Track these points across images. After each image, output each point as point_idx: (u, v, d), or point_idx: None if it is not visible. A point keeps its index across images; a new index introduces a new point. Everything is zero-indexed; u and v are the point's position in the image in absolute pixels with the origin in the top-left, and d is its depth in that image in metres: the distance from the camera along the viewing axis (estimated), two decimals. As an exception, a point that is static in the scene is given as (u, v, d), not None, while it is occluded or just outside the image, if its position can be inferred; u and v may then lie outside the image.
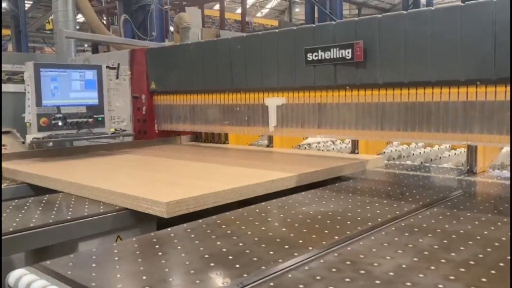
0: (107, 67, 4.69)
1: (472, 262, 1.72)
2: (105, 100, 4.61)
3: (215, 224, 2.30)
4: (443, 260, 1.75)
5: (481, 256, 1.79)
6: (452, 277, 1.58)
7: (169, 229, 2.24)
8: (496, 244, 1.93)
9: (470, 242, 1.95)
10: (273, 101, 4.16)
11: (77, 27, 14.05)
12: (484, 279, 1.56)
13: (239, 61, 4.35)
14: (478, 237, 2.02)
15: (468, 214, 2.40)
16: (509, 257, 1.75)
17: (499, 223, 2.22)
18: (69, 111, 4.38)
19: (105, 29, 11.59)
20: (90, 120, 4.50)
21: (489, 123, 2.96)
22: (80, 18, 18.04)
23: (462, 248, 1.88)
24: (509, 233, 2.04)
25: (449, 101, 3.10)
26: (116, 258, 1.84)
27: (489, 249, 1.86)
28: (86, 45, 21.21)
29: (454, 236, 2.04)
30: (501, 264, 1.70)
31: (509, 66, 2.80)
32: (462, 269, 1.66)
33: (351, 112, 3.64)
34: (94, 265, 1.76)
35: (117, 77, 4.93)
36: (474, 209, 2.51)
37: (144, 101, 5.33)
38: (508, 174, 3.29)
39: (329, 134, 3.90)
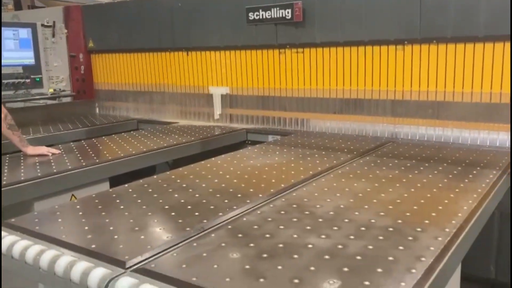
0: (42, 25, 4.51)
1: (398, 201, 2.02)
2: (42, 59, 4.48)
3: (170, 179, 2.45)
4: (374, 200, 2.03)
5: (406, 195, 2.09)
6: (382, 213, 1.86)
7: (126, 185, 2.35)
8: (418, 185, 2.24)
9: (397, 185, 2.25)
10: (218, 90, 4.27)
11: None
12: (408, 214, 1.86)
13: (181, 20, 4.37)
14: (404, 180, 2.33)
15: (396, 161, 2.72)
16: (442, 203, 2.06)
17: (421, 168, 2.55)
18: (4, 72, 4.22)
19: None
20: (28, 80, 4.37)
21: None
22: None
23: (390, 189, 2.18)
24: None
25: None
26: (80, 213, 1.95)
27: (412, 190, 2.17)
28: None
29: (384, 180, 2.34)
30: (422, 201, 2.01)
31: (433, 27, 3.10)
32: (391, 207, 1.94)
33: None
34: (60, 220, 1.86)
35: (53, 36, 4.76)
36: (401, 156, 2.84)
37: (82, 60, 5.22)
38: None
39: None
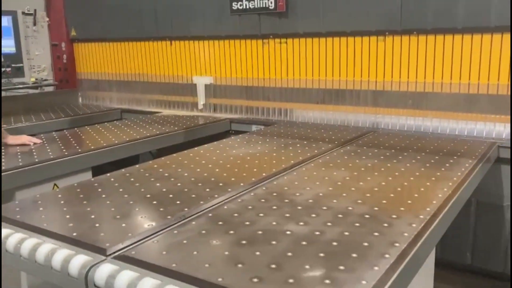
0: (23, 13, 4.45)
1: (376, 189, 2.07)
2: (23, 48, 4.43)
3: (152, 168, 2.47)
4: (353, 188, 2.07)
5: (383, 183, 2.14)
6: (359, 201, 1.90)
7: (108, 174, 2.37)
8: (396, 173, 2.30)
9: (376, 173, 2.30)
10: (201, 80, 4.27)
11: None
12: (384, 201, 1.91)
13: (164, 9, 4.35)
14: (382, 169, 2.38)
15: (376, 151, 2.77)
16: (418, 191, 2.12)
17: (400, 157, 2.61)
18: (-16, 60, 4.17)
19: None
20: (8, 69, 4.32)
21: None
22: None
23: (369, 178, 2.22)
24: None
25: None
26: (62, 202, 1.96)
27: (390, 178, 2.22)
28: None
29: (363, 169, 2.39)
30: (399, 189, 2.06)
31: (414, 19, 3.14)
32: (368, 195, 1.99)
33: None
34: (41, 209, 1.87)
35: (35, 24, 4.70)
36: (381, 146, 2.89)
37: (64, 49, 5.17)
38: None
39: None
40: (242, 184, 2.15)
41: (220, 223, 1.69)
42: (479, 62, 3.02)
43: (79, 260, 1.42)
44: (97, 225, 1.69)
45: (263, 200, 1.92)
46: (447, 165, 2.44)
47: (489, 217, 3.03)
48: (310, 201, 1.92)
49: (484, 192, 2.95)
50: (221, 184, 2.14)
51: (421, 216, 1.72)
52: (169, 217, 1.75)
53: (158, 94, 4.68)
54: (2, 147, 2.97)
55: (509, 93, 2.97)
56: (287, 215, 1.75)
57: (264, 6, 3.71)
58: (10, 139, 3.04)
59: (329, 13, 3.46)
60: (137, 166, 2.51)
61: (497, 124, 3.04)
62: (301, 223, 1.67)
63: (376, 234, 1.57)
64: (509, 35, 2.88)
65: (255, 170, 2.41)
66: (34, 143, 3.07)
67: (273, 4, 3.65)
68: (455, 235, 3.05)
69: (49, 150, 2.93)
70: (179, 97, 4.53)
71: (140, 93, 4.81)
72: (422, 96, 3.40)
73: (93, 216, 1.78)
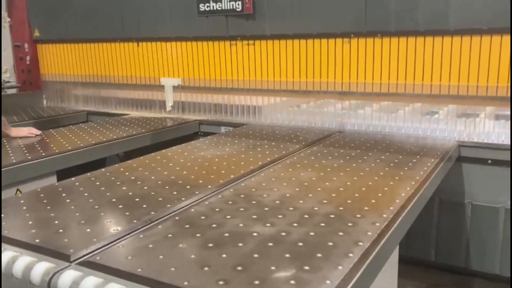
0: (-17, 13, 4.31)
1: (341, 189, 2.11)
2: (-17, 49, 4.28)
3: (118, 171, 2.44)
4: (319, 189, 2.10)
5: (348, 183, 2.18)
6: (325, 201, 1.94)
7: (73, 178, 2.32)
8: (361, 173, 2.35)
9: (341, 173, 2.35)
10: (169, 81, 4.23)
11: None
12: (349, 201, 1.94)
13: (131, 10, 4.30)
14: (348, 169, 2.43)
15: (342, 151, 2.82)
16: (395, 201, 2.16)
17: (365, 157, 2.67)
18: None
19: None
20: (-32, 71, 4.17)
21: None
22: None
23: (334, 178, 2.26)
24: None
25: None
26: (25, 208, 1.91)
27: (355, 178, 2.27)
28: None
29: (329, 169, 2.43)
30: (363, 189, 2.11)
31: (378, 21, 3.21)
32: (334, 195, 2.03)
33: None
34: (2, 215, 1.82)
35: (-4, 24, 4.56)
36: (347, 146, 2.95)
37: (27, 50, 5.03)
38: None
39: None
40: (209, 186, 2.15)
41: (187, 226, 1.69)
42: (440, 64, 3.11)
43: (41, 267, 1.40)
44: (61, 230, 1.66)
45: (230, 202, 1.93)
46: (410, 164, 2.51)
47: (451, 215, 3.13)
48: (277, 202, 1.94)
49: (446, 190, 3.04)
50: (188, 187, 2.14)
51: (385, 215, 1.77)
52: (135, 221, 1.74)
53: (125, 95, 4.62)
54: (5, 140, 3.09)
55: (468, 93, 3.08)
56: (254, 216, 1.77)
57: (231, 8, 3.71)
58: (13, 132, 3.23)
59: (295, 15, 3.49)
60: (103, 169, 2.47)
61: (458, 124, 3.15)
62: (268, 224, 1.69)
63: (340, 233, 1.60)
64: (468, 37, 2.99)
65: (223, 172, 2.41)
66: (36, 135, 3.27)
67: (240, 6, 3.66)
68: (419, 232, 3.13)
69: (11, 154, 2.85)
70: (147, 99, 4.49)
71: (107, 95, 4.74)
72: (386, 97, 3.48)
73: (57, 222, 1.75)
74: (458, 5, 2.94)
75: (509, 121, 3.15)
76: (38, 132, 3.31)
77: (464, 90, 3.09)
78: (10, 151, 2.92)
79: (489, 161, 2.98)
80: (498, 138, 3.02)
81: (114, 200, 1.99)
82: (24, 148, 3.03)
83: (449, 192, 3.08)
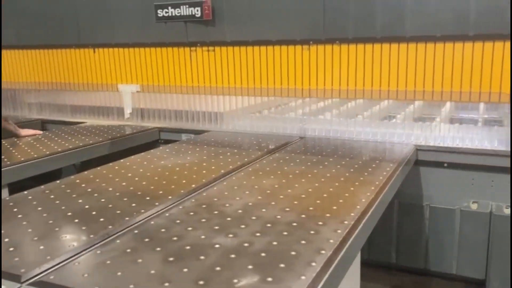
0: None
1: (303, 196, 2.11)
2: None
3: (74, 183, 2.35)
4: (281, 196, 2.10)
5: (310, 190, 2.19)
6: (287, 209, 1.93)
7: (25, 192, 2.22)
8: (323, 179, 2.36)
9: (303, 180, 2.35)
10: (127, 88, 4.14)
11: None
12: (311, 208, 1.95)
13: (86, 16, 4.18)
14: (309, 175, 2.44)
15: (303, 157, 2.83)
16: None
17: (326, 163, 2.69)
18: None
19: None
20: None
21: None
22: None
23: (296, 185, 2.26)
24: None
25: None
26: (-29, 225, 1.80)
27: (316, 184, 2.28)
28: None
29: (291, 176, 2.43)
30: (325, 195, 2.12)
31: (336, 29, 3.26)
32: (296, 202, 2.02)
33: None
34: None
35: None
36: (308, 152, 2.96)
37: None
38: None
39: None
40: (170, 197, 2.10)
41: (147, 240, 1.64)
42: (397, 70, 3.18)
43: (-11, 290, 1.31)
44: (11, 249, 1.58)
45: (191, 213, 1.89)
46: (370, 169, 2.54)
47: (410, 217, 3.20)
48: (240, 211, 1.91)
49: (405, 194, 3.11)
50: (148, 198, 2.08)
51: (346, 222, 1.78)
52: (92, 236, 1.67)
53: (82, 103, 4.48)
54: (16, 139, 3.40)
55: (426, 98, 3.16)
56: (216, 227, 1.74)
57: (190, 13, 3.67)
58: (23, 132, 3.61)
59: (255, 22, 3.49)
60: (57, 182, 2.38)
61: (415, 128, 3.23)
62: (230, 235, 1.66)
63: (303, 242, 1.60)
64: (422, 45, 3.07)
65: (184, 181, 2.37)
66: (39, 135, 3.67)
67: (199, 12, 3.63)
68: (380, 235, 3.19)
69: (-43, 167, 2.70)
70: (104, 106, 4.37)
71: (63, 103, 4.58)
72: (346, 102, 3.54)
73: (7, 240, 1.66)
74: (414, 13, 3.02)
75: (463, 125, 3.27)
76: (40, 132, 3.77)
77: (420, 95, 3.18)
78: (-44, 164, 2.77)
79: (445, 164, 3.07)
80: (453, 141, 3.11)
81: (69, 214, 1.91)
82: (-28, 160, 2.88)
83: (408, 195, 3.15)
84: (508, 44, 2.84)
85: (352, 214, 1.86)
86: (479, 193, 3.02)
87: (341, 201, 2.03)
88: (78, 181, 2.38)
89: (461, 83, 3.01)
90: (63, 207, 1.99)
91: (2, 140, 3.41)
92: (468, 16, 2.88)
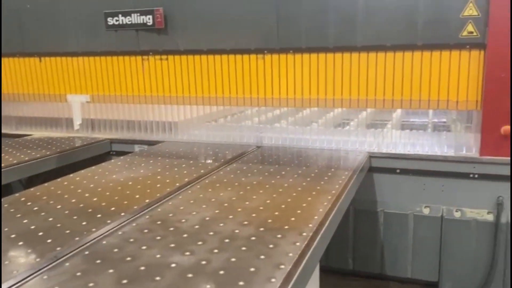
0: None
1: (261, 208, 2.08)
2: None
3: (18, 202, 2.21)
4: (239, 209, 2.06)
5: (268, 201, 2.17)
6: (246, 222, 1.90)
7: (-36, 213, 2.07)
8: (280, 190, 2.35)
9: (261, 191, 2.33)
10: (77, 98, 3.99)
11: None
12: (270, 220, 1.92)
13: (31, 23, 3.99)
14: (267, 186, 2.42)
15: (260, 167, 2.81)
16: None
17: (283, 172, 2.68)
18: None
19: None
20: None
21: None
22: None
23: (254, 197, 2.24)
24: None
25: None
26: None
27: (274, 195, 2.26)
28: None
29: (248, 187, 2.40)
30: (283, 206, 2.10)
31: (289, 38, 3.27)
32: (254, 215, 1.99)
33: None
34: None
35: None
36: (265, 162, 2.95)
37: None
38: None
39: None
40: (123, 213, 2.01)
41: (98, 261, 1.55)
42: (349, 79, 3.23)
43: None
44: None
45: (146, 231, 1.82)
46: (326, 178, 2.56)
47: (366, 223, 3.25)
48: (196, 227, 1.86)
49: (360, 200, 3.16)
50: (99, 216, 1.99)
51: (304, 233, 1.76)
52: (38, 259, 1.57)
53: (27, 114, 4.27)
54: None
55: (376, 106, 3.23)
56: (172, 245, 1.68)
57: (142, 22, 3.58)
58: None
59: (209, 31, 3.45)
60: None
61: (368, 135, 3.29)
62: (187, 253, 1.60)
63: (262, 257, 1.57)
64: (373, 54, 3.14)
65: (137, 196, 2.28)
66: None
67: (151, 20, 3.54)
68: (336, 242, 3.21)
69: None
70: (52, 117, 4.18)
71: (7, 114, 4.34)
72: (300, 111, 3.56)
73: None
74: (365, 24, 3.07)
75: (413, 131, 3.37)
76: None
77: (372, 103, 3.24)
78: None
79: (398, 171, 3.15)
80: (405, 148, 3.20)
81: (13, 236, 1.79)
82: None
83: (363, 201, 3.20)
84: (455, 53, 2.95)
85: (310, 225, 1.85)
86: (431, 197, 3.11)
87: (299, 211, 2.02)
88: (23, 199, 2.24)
89: (411, 91, 3.09)
90: (5, 229, 1.86)
91: None
92: (416, 26, 2.97)
